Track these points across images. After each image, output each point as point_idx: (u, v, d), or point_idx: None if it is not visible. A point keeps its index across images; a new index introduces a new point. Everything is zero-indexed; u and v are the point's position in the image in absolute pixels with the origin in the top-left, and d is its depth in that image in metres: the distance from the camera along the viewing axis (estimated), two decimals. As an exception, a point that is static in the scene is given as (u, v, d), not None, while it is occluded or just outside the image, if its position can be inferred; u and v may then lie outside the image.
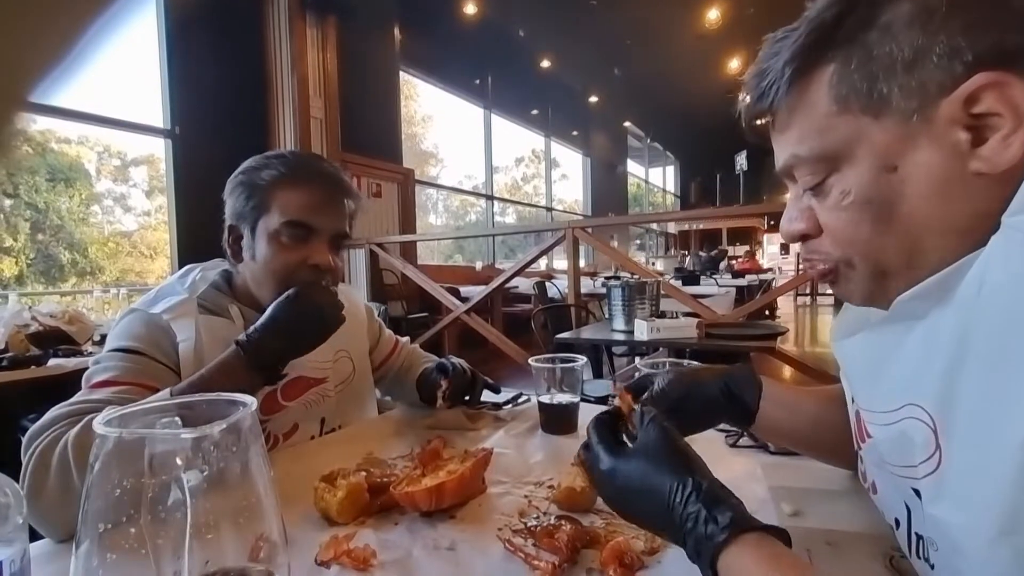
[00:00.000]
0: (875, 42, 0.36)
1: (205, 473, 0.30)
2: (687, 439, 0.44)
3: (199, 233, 3.26)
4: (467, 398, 0.93)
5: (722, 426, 0.79)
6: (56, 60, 0.16)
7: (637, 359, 3.30)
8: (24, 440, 0.61)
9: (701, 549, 0.36)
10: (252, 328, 0.72)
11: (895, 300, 0.39)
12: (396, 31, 5.28)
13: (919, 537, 0.39)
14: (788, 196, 0.46)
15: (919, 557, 0.40)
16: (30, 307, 2.40)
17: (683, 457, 0.42)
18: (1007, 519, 0.29)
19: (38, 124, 4.21)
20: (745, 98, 0.44)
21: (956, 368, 0.33)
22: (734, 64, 7.95)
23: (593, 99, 9.75)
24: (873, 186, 0.38)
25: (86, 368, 0.74)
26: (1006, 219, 0.32)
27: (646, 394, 0.59)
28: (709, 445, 0.75)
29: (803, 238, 0.44)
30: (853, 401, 0.48)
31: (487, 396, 0.99)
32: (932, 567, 0.38)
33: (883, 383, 0.41)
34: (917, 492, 0.37)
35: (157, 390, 0.70)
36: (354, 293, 1.05)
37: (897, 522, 0.43)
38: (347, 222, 0.85)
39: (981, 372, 0.32)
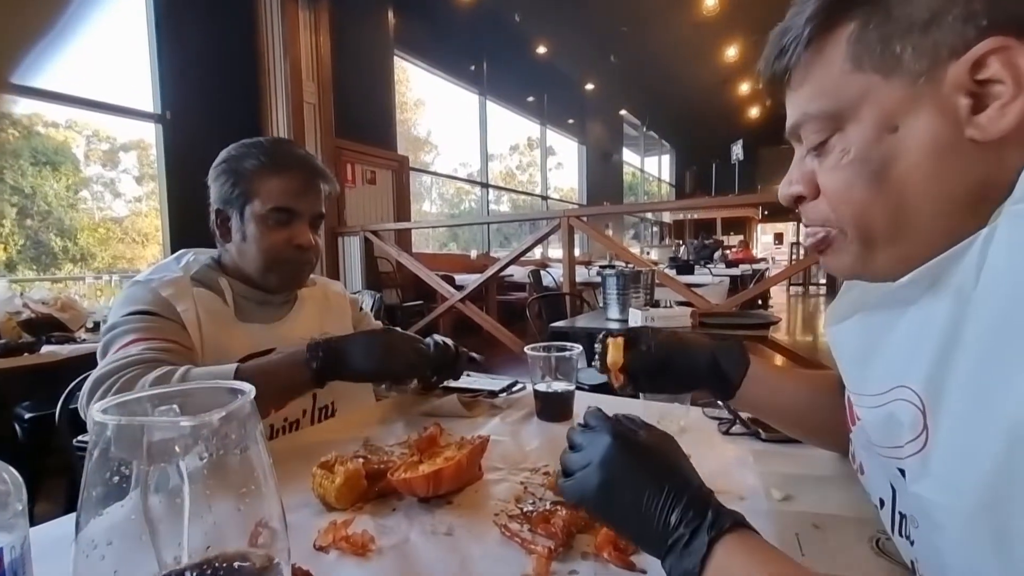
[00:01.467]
0: (896, 1, 0.37)
1: (204, 460, 0.30)
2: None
3: (191, 220, 3.20)
4: (447, 377, 0.94)
5: (715, 414, 0.81)
6: (34, 39, 0.16)
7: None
8: (87, 387, 0.69)
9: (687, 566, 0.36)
10: (331, 340, 0.78)
11: (890, 287, 0.39)
12: (390, 15, 5.20)
13: (902, 516, 0.40)
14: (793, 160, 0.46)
15: (901, 535, 0.41)
16: (21, 293, 2.38)
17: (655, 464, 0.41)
18: (987, 497, 0.30)
19: (25, 107, 4.10)
20: (767, 54, 0.44)
21: (949, 350, 0.33)
22: (731, 52, 7.88)
23: (589, 86, 9.67)
24: (873, 145, 0.38)
25: (80, 355, 0.75)
26: (1010, 206, 0.32)
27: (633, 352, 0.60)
28: (702, 433, 0.76)
29: (799, 200, 0.45)
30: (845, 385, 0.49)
31: (483, 383, 1.00)
32: (912, 543, 0.39)
33: (873, 367, 0.41)
34: (902, 472, 0.38)
35: (178, 343, 0.79)
36: (334, 285, 1.12)
37: (882, 502, 0.44)
38: (323, 204, 0.97)
39: (975, 355, 0.32)
